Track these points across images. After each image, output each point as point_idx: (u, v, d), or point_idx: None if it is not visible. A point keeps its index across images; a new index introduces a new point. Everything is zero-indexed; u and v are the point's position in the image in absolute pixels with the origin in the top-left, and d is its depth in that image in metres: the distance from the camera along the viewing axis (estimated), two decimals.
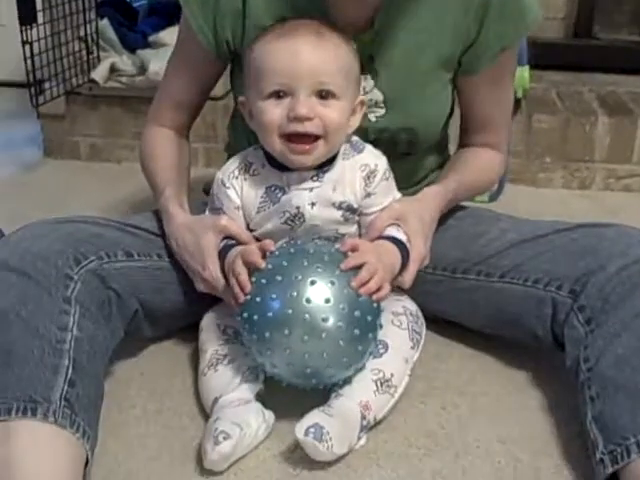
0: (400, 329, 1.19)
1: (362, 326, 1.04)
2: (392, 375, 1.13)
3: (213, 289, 1.18)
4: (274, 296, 1.03)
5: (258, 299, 1.04)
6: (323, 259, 1.06)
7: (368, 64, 1.22)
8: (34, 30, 2.03)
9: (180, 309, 1.29)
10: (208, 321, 1.25)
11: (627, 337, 1.05)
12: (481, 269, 1.27)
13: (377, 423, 1.13)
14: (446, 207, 1.27)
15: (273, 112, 1.10)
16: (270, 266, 1.06)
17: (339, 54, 1.11)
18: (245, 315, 1.06)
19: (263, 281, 1.05)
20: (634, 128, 2.14)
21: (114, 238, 1.21)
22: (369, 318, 1.05)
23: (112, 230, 1.23)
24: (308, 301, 1.02)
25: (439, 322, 1.36)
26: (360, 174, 1.16)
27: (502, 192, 2.02)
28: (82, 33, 2.28)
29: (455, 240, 1.32)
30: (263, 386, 1.14)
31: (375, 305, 1.06)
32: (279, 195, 1.16)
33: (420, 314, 1.26)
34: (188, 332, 1.33)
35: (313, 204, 1.15)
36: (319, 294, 1.02)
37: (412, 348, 1.19)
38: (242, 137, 1.34)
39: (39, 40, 2.08)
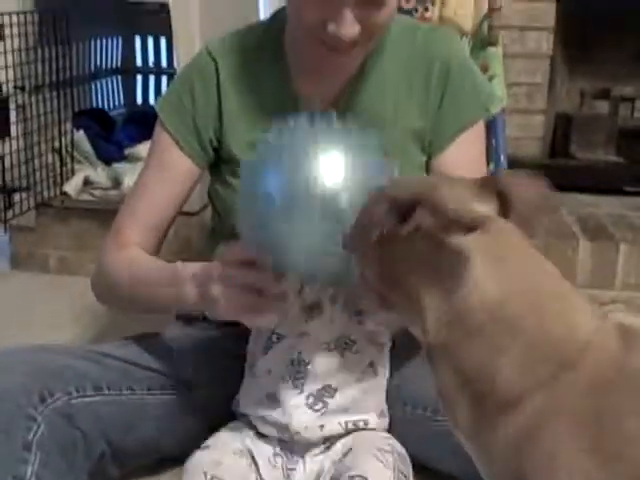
0: (385, 467, 1.08)
1: None
2: None
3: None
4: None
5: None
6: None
7: None
8: (7, 143, 2.02)
9: (150, 447, 1.23)
10: (194, 465, 1.12)
11: None
12: None
13: None
14: None
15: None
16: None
17: None
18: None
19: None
20: (615, 253, 2.12)
21: (83, 370, 1.15)
22: None
23: (81, 360, 1.17)
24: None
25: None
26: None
27: None
28: (57, 145, 2.27)
29: None
30: None
31: None
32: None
33: (407, 455, 1.17)
34: (156, 470, 1.26)
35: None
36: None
37: None
38: None
39: (11, 153, 2.08)
